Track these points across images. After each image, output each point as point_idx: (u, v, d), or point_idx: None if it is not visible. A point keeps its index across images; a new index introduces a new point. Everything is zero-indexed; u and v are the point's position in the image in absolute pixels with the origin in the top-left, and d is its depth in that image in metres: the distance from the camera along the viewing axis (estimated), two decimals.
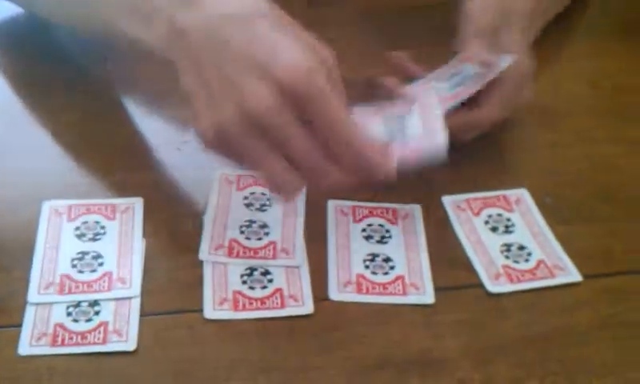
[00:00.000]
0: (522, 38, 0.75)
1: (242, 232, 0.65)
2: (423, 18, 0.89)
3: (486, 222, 0.68)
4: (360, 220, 0.67)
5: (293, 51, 0.56)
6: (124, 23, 0.63)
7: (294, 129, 0.56)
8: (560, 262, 0.65)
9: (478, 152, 0.73)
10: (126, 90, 0.78)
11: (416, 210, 0.68)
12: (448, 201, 0.69)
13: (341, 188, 0.59)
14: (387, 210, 0.68)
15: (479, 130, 0.71)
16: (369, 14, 0.89)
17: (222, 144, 0.58)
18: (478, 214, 0.68)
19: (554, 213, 0.69)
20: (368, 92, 0.73)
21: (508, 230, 0.67)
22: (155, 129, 0.74)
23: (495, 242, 0.66)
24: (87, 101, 0.76)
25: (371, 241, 0.66)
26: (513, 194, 0.70)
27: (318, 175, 0.58)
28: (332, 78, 0.58)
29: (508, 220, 0.68)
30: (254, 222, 0.66)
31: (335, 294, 0.62)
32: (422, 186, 0.70)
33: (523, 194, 0.70)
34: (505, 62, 0.70)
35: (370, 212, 0.68)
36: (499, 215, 0.68)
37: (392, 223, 0.67)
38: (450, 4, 0.85)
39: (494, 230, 0.67)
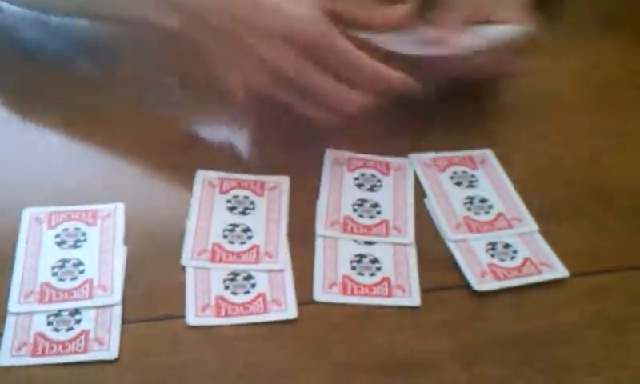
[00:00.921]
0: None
1: (225, 236, 0.64)
2: None
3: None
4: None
5: (294, 7, 0.65)
6: (153, 14, 0.70)
7: (312, 70, 0.65)
8: (546, 258, 0.65)
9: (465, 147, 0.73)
10: (105, 93, 0.77)
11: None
12: (431, 203, 0.69)
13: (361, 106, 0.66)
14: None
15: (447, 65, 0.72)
16: None
17: (253, 98, 0.68)
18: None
19: (541, 210, 0.68)
20: None
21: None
22: (135, 132, 0.73)
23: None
24: (66, 106, 0.75)
25: (359, 242, 0.65)
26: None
27: (343, 101, 0.66)
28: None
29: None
30: (238, 225, 0.65)
31: (320, 295, 0.61)
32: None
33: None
34: (501, 32, 0.70)
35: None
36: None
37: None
38: None
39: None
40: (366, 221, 0.67)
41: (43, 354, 0.56)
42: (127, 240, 0.63)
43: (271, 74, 0.66)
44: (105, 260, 0.62)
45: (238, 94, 0.68)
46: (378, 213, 0.67)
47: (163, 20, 0.70)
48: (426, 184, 0.70)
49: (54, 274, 0.61)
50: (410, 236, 0.66)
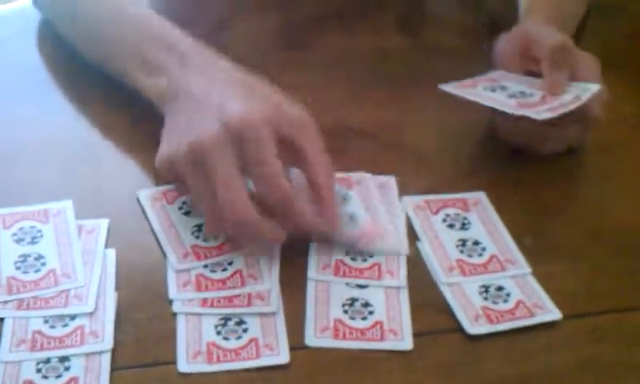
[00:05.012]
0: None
1: None
2: (399, 60, 0.89)
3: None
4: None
5: (244, 101, 0.64)
6: (137, 74, 0.73)
7: (226, 165, 0.62)
8: (539, 301, 0.64)
9: (459, 187, 0.73)
10: (96, 136, 0.78)
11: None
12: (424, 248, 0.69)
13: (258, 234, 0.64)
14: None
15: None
16: (346, 57, 0.89)
17: (168, 173, 0.68)
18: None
19: (533, 251, 0.68)
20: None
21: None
22: (126, 176, 0.73)
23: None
24: (59, 151, 0.75)
25: (351, 285, 0.65)
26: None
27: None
28: (289, 132, 0.64)
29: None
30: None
31: (312, 340, 0.61)
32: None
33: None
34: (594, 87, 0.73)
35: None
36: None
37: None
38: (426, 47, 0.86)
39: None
40: (358, 264, 0.66)
41: None
42: (118, 286, 0.63)
43: (191, 149, 0.64)
44: (96, 306, 0.61)
45: (158, 164, 0.68)
46: (371, 256, 0.67)
47: (144, 83, 0.72)
48: (418, 226, 0.70)
49: (46, 322, 0.60)
50: (402, 279, 0.65)
